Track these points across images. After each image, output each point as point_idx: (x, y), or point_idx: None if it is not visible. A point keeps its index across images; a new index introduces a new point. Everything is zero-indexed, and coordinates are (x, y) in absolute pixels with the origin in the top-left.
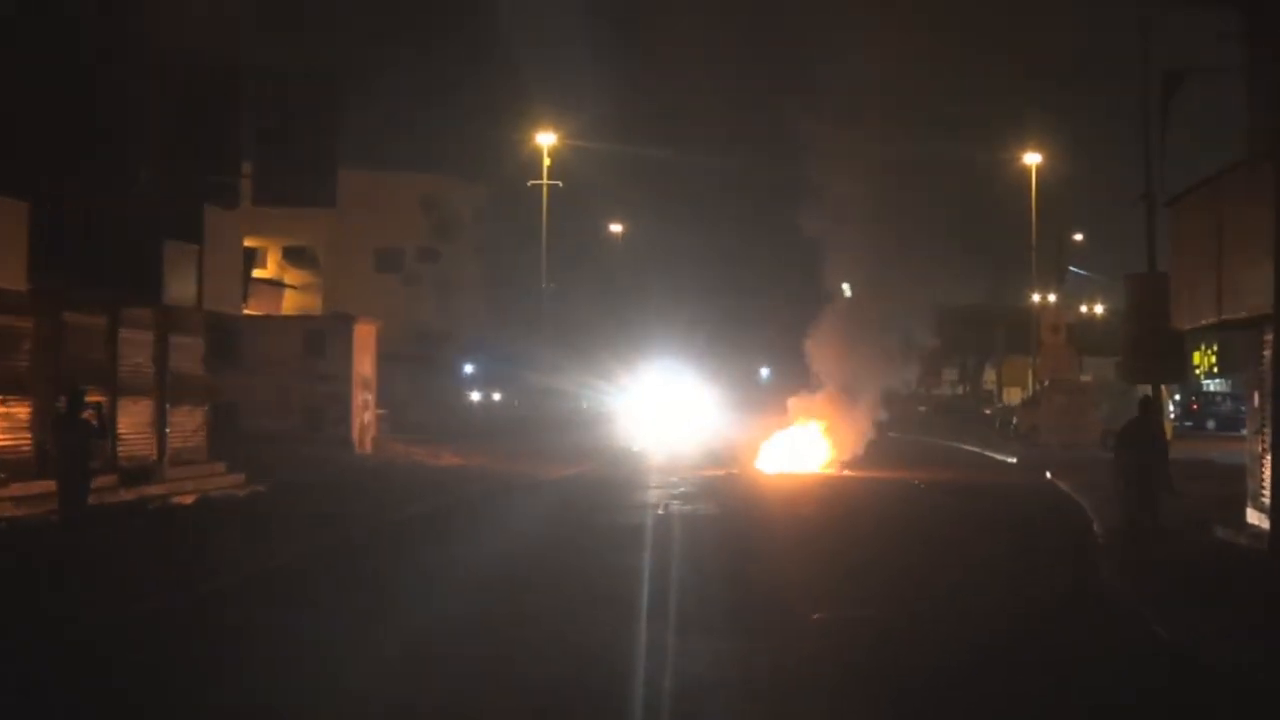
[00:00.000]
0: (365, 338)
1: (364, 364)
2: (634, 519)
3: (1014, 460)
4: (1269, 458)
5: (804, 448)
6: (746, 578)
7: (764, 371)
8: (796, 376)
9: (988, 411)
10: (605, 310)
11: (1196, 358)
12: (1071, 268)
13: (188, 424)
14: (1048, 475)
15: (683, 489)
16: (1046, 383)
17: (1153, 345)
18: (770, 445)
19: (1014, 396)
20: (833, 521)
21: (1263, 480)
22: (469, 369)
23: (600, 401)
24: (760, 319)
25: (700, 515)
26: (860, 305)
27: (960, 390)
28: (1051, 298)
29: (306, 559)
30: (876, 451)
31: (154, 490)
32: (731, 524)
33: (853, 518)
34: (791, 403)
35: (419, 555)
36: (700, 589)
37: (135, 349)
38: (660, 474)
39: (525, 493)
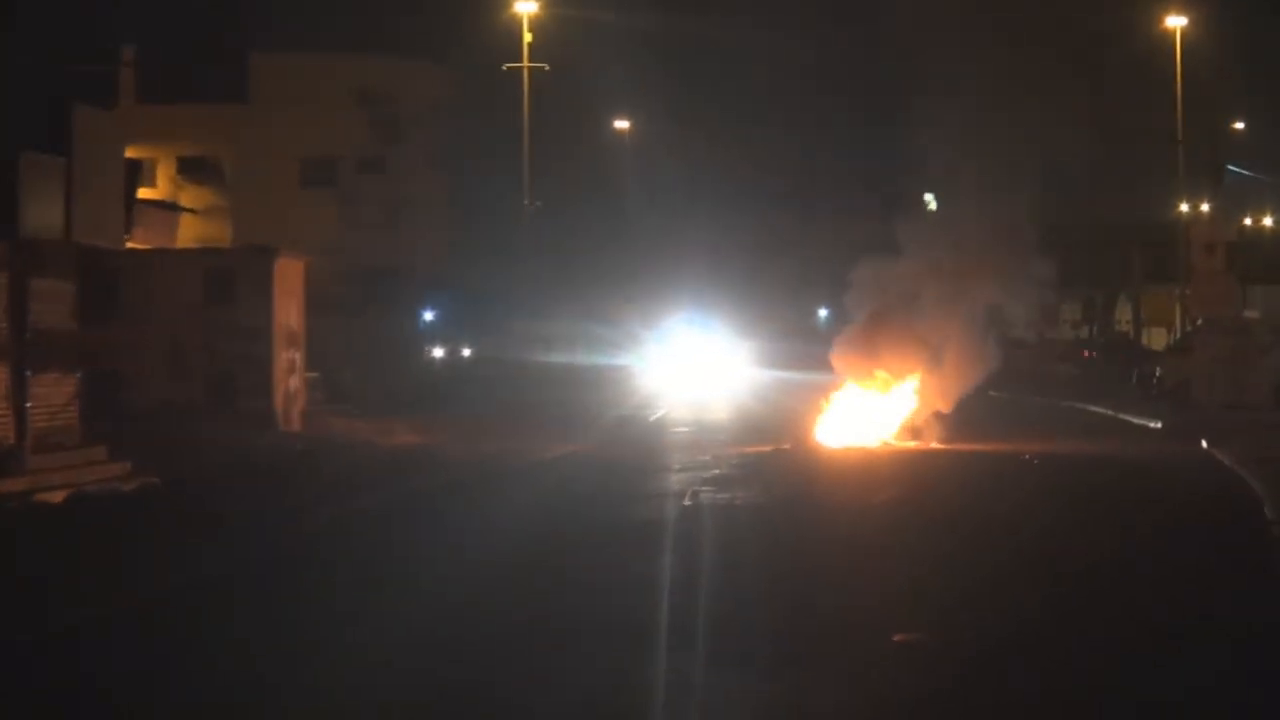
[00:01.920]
0: (290, 278)
1: (289, 313)
2: (652, 513)
3: (1158, 425)
4: None
5: (878, 413)
6: (802, 589)
7: (823, 313)
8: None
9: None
10: (611, 236)
11: None
12: (1231, 166)
13: (55, 396)
14: (1203, 445)
15: (716, 471)
16: (1200, 321)
17: None
18: (833, 410)
19: (1157, 340)
20: (916, 512)
21: None
22: (429, 316)
23: (606, 356)
24: (818, 244)
25: (739, 506)
26: (951, 221)
27: (1086, 332)
28: (1205, 208)
29: (188, 588)
30: (973, 416)
31: (11, 485)
32: (781, 518)
33: (943, 506)
34: (841, 346)
35: (352, 578)
36: (740, 605)
37: None
38: (687, 451)
39: (506, 480)
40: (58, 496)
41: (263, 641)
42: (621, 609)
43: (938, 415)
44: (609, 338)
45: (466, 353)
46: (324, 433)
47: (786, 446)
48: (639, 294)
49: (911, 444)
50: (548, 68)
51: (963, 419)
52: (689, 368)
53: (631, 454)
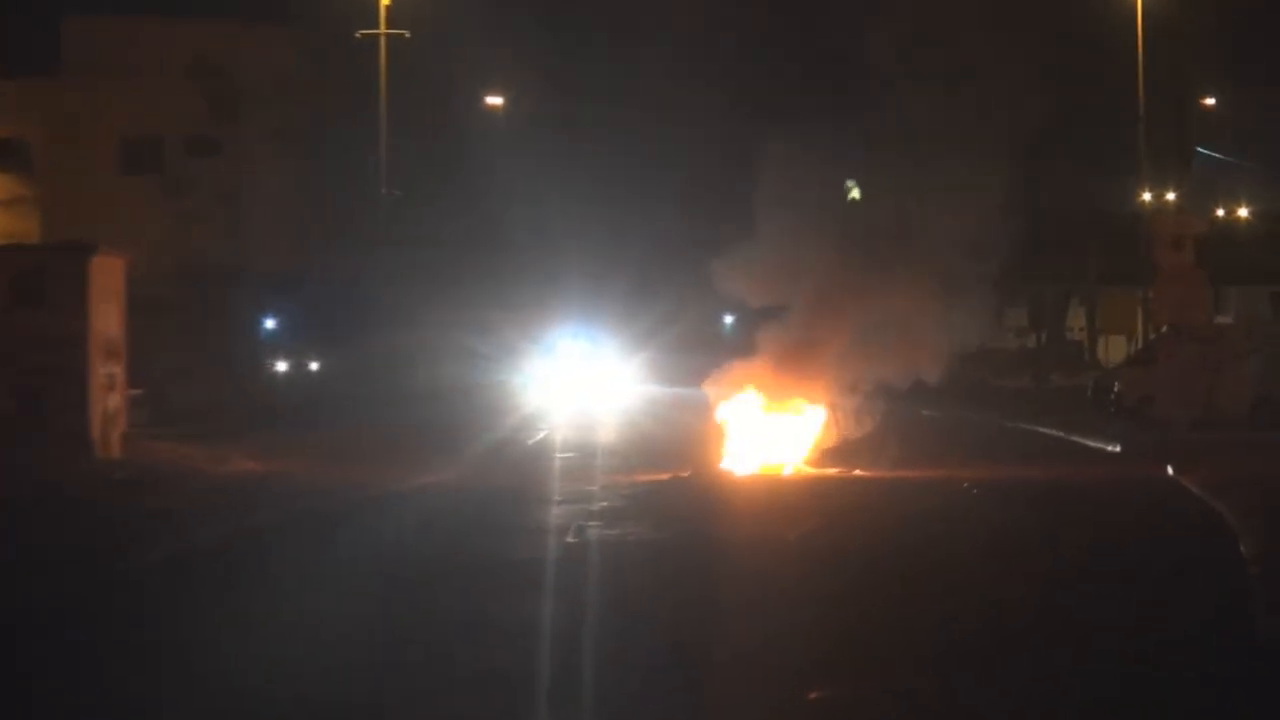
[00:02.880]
0: (108, 279)
1: (107, 319)
2: (530, 551)
3: (1116, 448)
4: None
5: (791, 434)
6: (703, 640)
7: (728, 321)
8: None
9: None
10: (484, 233)
11: None
12: (1201, 148)
13: None
14: (1168, 471)
15: (605, 503)
16: (1165, 328)
17: None
18: (741, 431)
19: (1116, 350)
20: (837, 551)
21: None
22: (271, 324)
23: (479, 372)
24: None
25: (631, 544)
26: (877, 210)
27: (1034, 340)
28: (1171, 196)
29: None
30: (905, 437)
31: None
32: (679, 557)
33: (867, 544)
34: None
35: (146, 642)
36: (630, 659)
37: None
38: (571, 479)
39: (358, 514)
40: None
41: None
42: (488, 663)
43: (860, 435)
44: (482, 350)
45: (314, 366)
46: (148, 459)
47: (685, 474)
48: (517, 301)
49: (831, 470)
50: (408, 35)
51: (892, 441)
52: (574, 384)
53: (507, 483)
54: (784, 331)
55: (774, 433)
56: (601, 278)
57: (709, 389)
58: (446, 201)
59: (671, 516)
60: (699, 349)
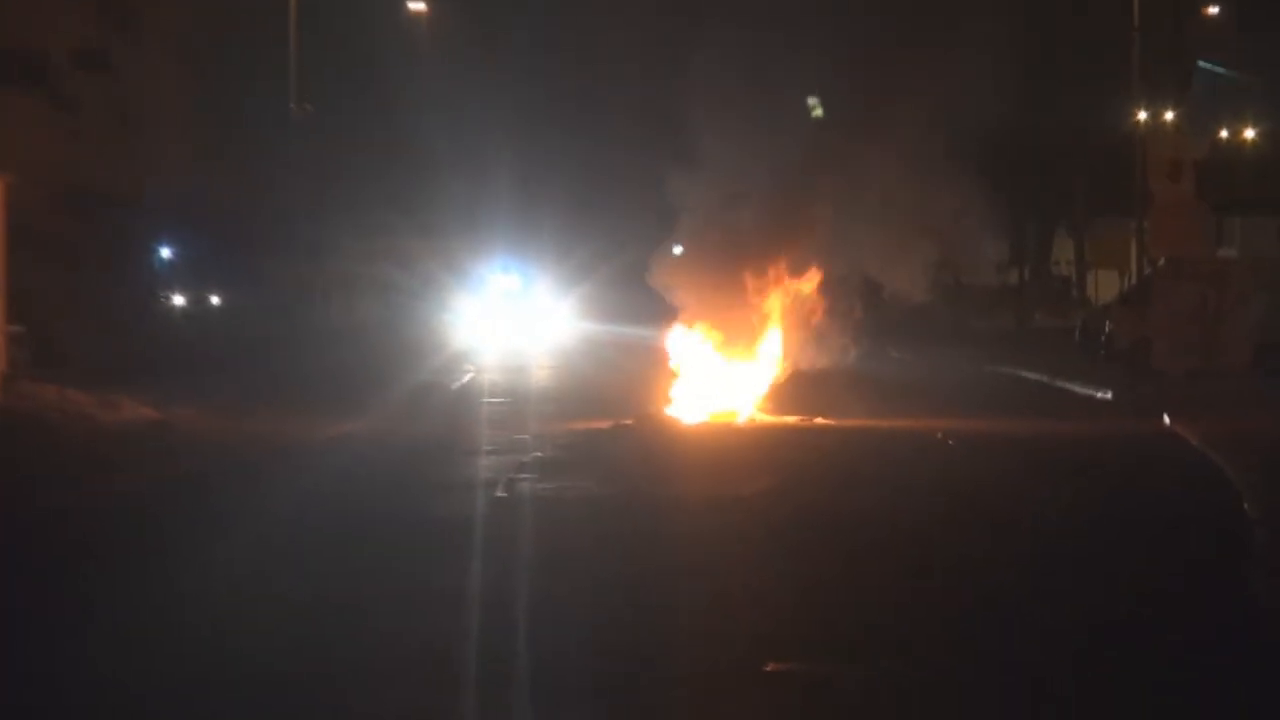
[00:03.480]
0: None
1: None
2: (455, 508)
3: (1107, 395)
4: None
5: (748, 376)
6: (649, 606)
7: (677, 252)
8: None
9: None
10: (407, 157)
11: None
12: (1202, 62)
13: None
14: (1165, 421)
15: (539, 453)
16: (1161, 263)
17: None
18: (690, 373)
19: (1107, 287)
20: (797, 509)
21: None
22: (168, 255)
23: (400, 308)
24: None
25: (569, 500)
26: (843, 129)
27: (1016, 276)
28: (1168, 116)
29: None
30: (872, 382)
31: None
32: (622, 515)
33: (830, 501)
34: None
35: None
36: (569, 629)
37: None
38: (502, 428)
39: (265, 468)
40: None
41: None
42: (412, 636)
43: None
44: (403, 285)
45: (216, 301)
46: (29, 405)
47: (629, 421)
48: (442, 229)
49: (790, 418)
50: None
51: (858, 386)
52: (504, 322)
53: (429, 432)
54: (741, 219)
55: (726, 374)
56: (535, 204)
57: (654, 326)
58: (364, 120)
59: (613, 469)
60: (644, 284)
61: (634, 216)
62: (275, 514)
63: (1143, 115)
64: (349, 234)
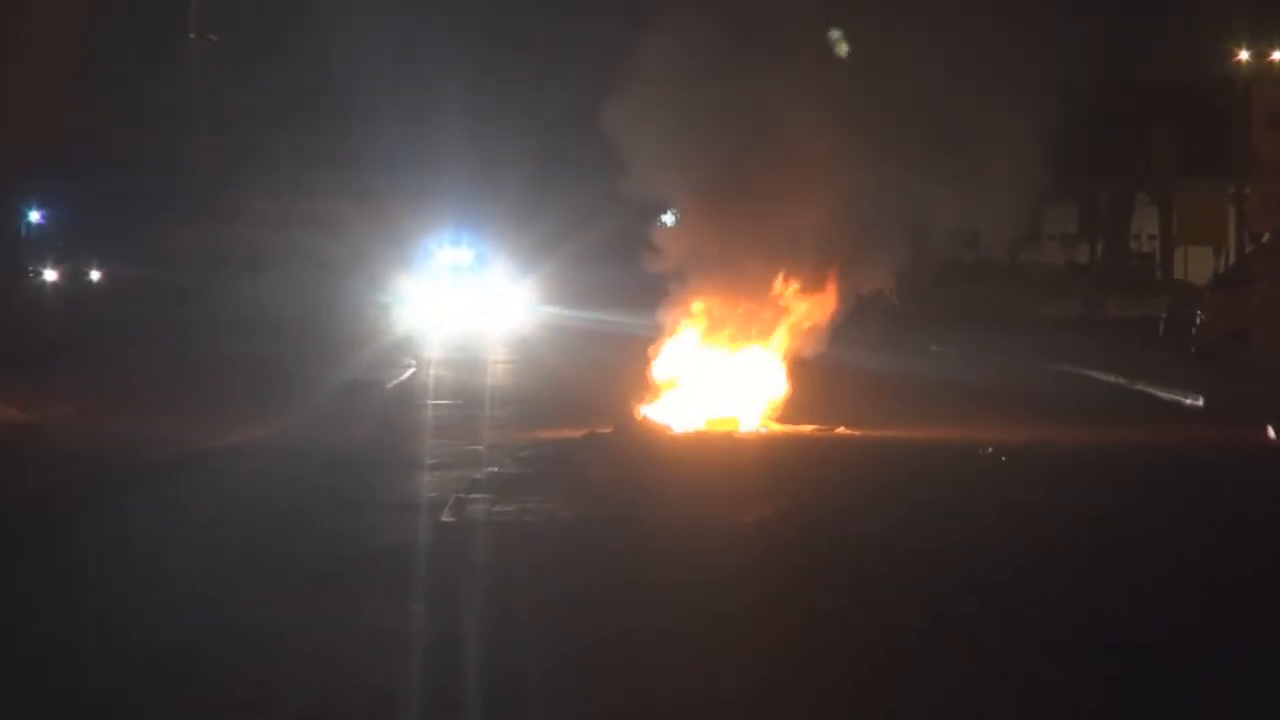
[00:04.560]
0: None
1: None
2: (391, 536)
3: (1198, 401)
4: None
5: (753, 376)
6: (624, 665)
7: (667, 219)
8: None
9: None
10: (335, 101)
11: None
12: None
13: None
14: (1270, 434)
15: (495, 468)
16: (1265, 238)
17: None
18: (681, 371)
19: (1199, 267)
20: (810, 540)
21: None
22: (37, 218)
23: (326, 287)
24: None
25: (530, 526)
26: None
27: (1086, 253)
28: (1276, 57)
29: None
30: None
31: None
32: (595, 546)
33: (854, 533)
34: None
35: None
36: (526, 693)
37: None
38: (450, 436)
39: (158, 482)
40: None
41: None
42: (338, 696)
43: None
44: (330, 259)
45: (96, 276)
46: None
47: (606, 429)
48: (379, 193)
49: (806, 427)
50: None
51: (891, 387)
52: (453, 305)
53: (360, 440)
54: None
55: (728, 371)
56: (492, 164)
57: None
58: (282, 55)
59: (584, 488)
60: (621, 261)
61: (612, 177)
62: (169, 539)
63: (1244, 56)
64: (260, 194)
